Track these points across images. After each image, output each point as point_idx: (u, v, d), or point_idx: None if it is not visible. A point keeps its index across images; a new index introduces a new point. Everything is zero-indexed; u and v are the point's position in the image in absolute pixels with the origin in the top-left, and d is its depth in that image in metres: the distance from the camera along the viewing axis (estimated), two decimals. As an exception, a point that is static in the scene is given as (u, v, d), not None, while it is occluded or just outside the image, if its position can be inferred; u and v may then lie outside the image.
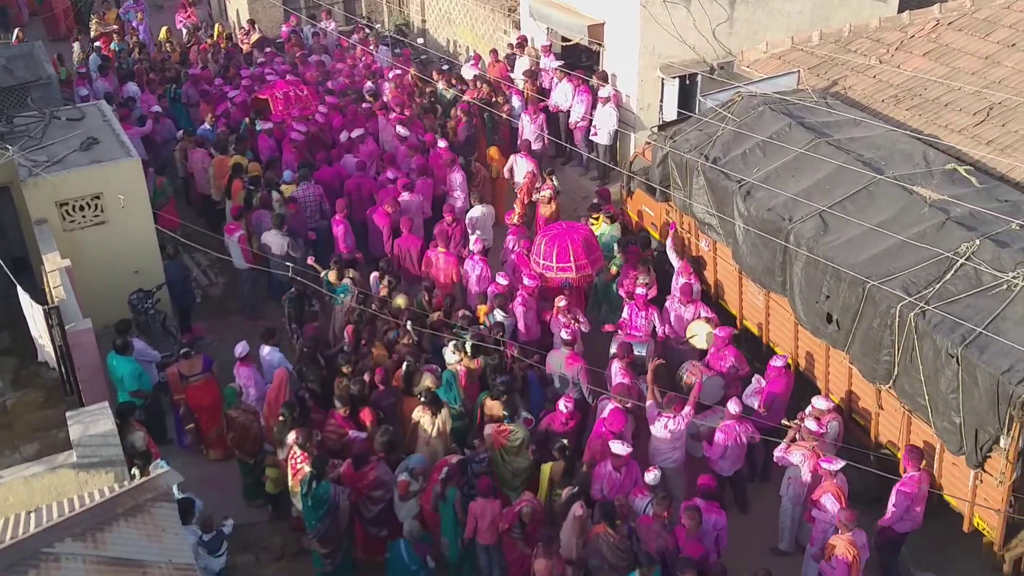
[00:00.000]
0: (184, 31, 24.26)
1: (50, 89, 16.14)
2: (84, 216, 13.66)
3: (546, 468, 10.58)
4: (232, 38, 24.24)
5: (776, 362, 11.36)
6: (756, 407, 11.10)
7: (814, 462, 10.20)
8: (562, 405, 11.08)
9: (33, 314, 11.74)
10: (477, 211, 15.25)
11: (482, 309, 13.07)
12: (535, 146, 17.14)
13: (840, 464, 9.94)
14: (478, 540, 10.33)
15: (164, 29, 23.64)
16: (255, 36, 23.17)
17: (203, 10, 28.90)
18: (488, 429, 11.02)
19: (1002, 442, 9.05)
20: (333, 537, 10.54)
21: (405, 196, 15.20)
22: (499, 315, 12.77)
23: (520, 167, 16.50)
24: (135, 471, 9.27)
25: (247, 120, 17.88)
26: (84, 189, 13.54)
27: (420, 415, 11.20)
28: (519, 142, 17.35)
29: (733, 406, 10.81)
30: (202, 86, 19.75)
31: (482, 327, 12.39)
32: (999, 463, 9.22)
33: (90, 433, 8.51)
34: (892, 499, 9.95)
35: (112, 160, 13.77)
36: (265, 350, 12.51)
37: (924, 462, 10.04)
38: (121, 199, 13.62)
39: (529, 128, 17.50)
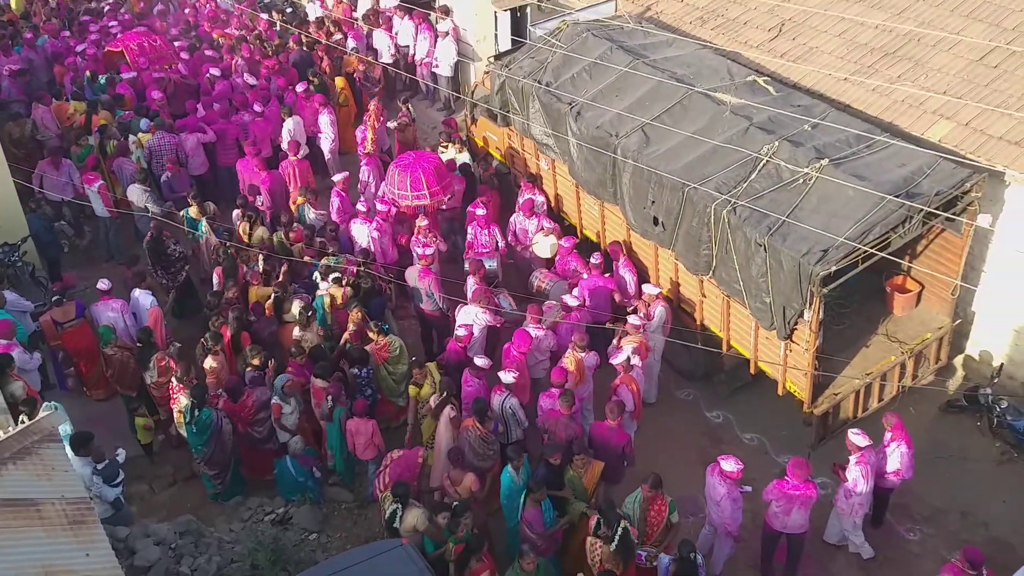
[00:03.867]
0: None
1: None
2: (-63, 176, 12.74)
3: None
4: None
5: (594, 259, 11.74)
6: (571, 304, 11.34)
7: (642, 353, 10.59)
8: (460, 332, 11.00)
9: None
10: (290, 123, 15.21)
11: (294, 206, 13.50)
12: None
13: (624, 356, 10.35)
14: (358, 455, 10.39)
15: None
16: None
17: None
18: (369, 347, 11.00)
19: (805, 315, 9.61)
20: (219, 459, 10.42)
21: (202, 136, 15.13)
22: (309, 210, 13.24)
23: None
24: (23, 418, 8.85)
25: (109, 73, 16.82)
26: (-67, 149, 12.60)
27: (299, 334, 11.17)
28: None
29: (571, 300, 11.15)
30: (52, 45, 18.27)
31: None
32: (804, 333, 9.83)
33: (-33, 386, 8.10)
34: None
35: (-40, 119, 12.83)
36: (136, 292, 12.03)
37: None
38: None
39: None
